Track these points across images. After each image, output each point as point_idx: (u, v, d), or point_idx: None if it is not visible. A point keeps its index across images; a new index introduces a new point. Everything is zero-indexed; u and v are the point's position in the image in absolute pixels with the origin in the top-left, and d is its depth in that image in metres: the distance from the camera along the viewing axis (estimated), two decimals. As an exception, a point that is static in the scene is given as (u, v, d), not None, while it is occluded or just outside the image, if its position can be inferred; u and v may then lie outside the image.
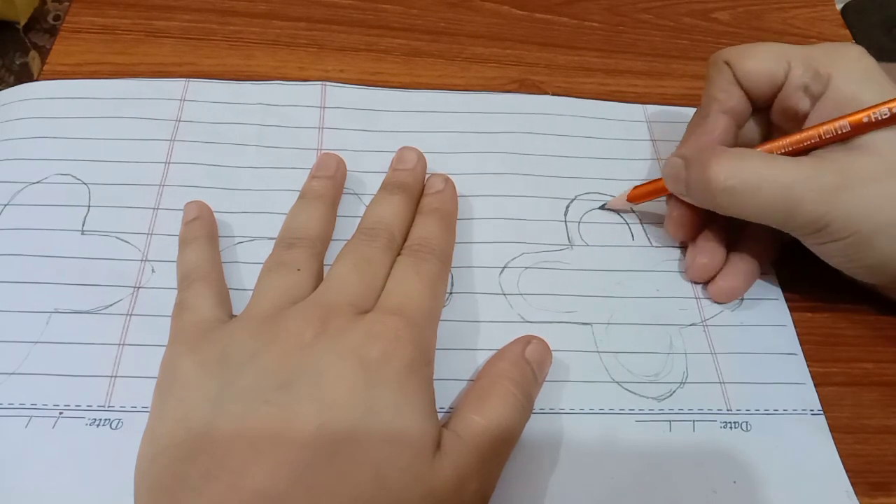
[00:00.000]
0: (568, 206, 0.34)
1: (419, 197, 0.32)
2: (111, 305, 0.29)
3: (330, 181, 0.32)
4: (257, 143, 0.34)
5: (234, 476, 0.22)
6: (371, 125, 0.35)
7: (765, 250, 0.32)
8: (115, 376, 0.27)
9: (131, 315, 0.29)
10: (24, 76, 0.36)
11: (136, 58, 0.37)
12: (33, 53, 0.36)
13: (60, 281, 0.29)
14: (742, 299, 0.32)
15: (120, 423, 0.26)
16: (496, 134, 0.36)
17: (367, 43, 0.39)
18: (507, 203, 0.33)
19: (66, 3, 0.39)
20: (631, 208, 0.34)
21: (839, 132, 0.27)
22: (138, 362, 0.28)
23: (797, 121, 0.30)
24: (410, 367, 0.25)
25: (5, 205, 0.31)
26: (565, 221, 0.33)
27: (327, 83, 0.37)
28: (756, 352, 0.30)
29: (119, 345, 0.28)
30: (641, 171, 0.35)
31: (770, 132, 0.32)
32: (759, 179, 0.27)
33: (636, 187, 0.33)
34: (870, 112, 0.26)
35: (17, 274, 0.29)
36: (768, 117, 0.32)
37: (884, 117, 0.26)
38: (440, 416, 0.27)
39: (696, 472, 0.27)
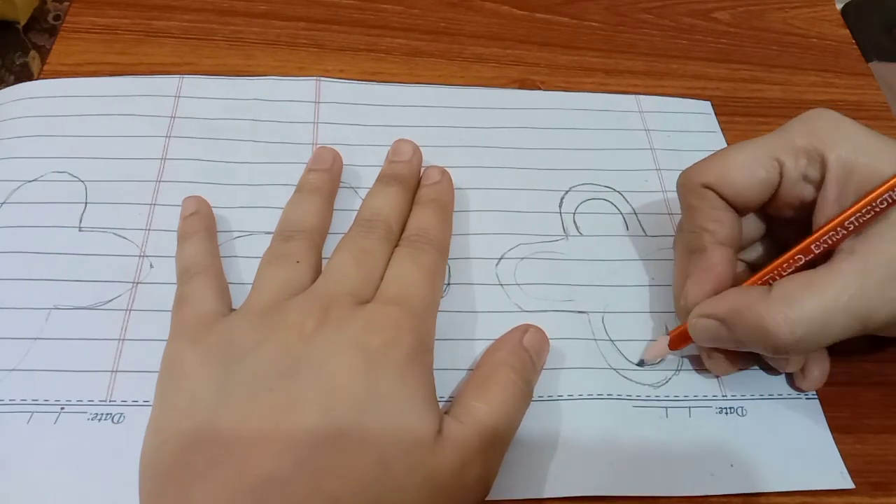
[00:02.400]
0: (563, 198, 0.34)
1: (416, 188, 0.32)
2: (110, 301, 0.29)
3: (326, 174, 0.32)
4: (252, 139, 0.34)
5: (240, 462, 0.22)
6: (365, 120, 0.36)
7: None
8: (116, 371, 0.27)
9: (131, 310, 0.29)
10: (24, 76, 0.36)
11: (137, 58, 0.37)
12: (33, 53, 0.36)
13: (59, 277, 0.29)
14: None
15: (122, 418, 0.26)
16: (490, 128, 0.36)
17: (367, 43, 0.39)
18: (503, 195, 0.34)
19: (66, 3, 0.39)
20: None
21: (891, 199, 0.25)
22: (139, 357, 0.28)
23: (803, 208, 0.28)
24: (411, 356, 0.25)
25: (2, 203, 0.31)
26: (560, 212, 0.34)
27: (321, 78, 0.37)
28: (750, 338, 0.31)
29: (119, 340, 0.28)
30: (636, 160, 0.36)
31: (769, 224, 0.30)
32: (823, 317, 0.24)
33: (673, 332, 0.29)
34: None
35: (15, 271, 0.29)
36: (762, 213, 0.29)
37: None
38: (440, 405, 0.27)
39: (694, 456, 0.27)
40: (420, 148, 0.33)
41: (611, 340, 0.30)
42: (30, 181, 0.32)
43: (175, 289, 0.29)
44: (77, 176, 0.32)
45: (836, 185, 0.26)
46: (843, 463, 0.28)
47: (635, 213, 0.34)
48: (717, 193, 0.28)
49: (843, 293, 0.24)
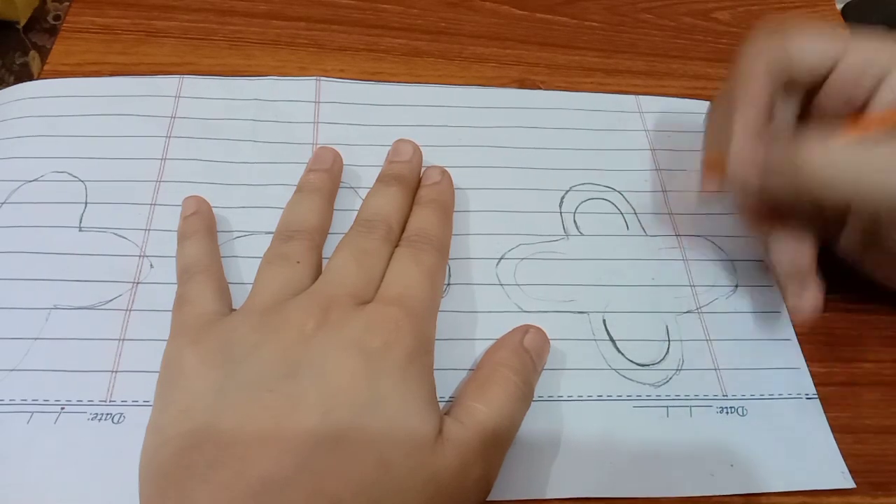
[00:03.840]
0: (563, 198, 0.34)
1: (416, 189, 0.32)
2: (110, 301, 0.29)
3: (327, 174, 0.32)
4: (252, 139, 0.34)
5: (240, 463, 0.22)
6: (366, 119, 0.36)
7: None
8: (116, 371, 0.27)
9: (131, 310, 0.29)
10: (24, 76, 0.36)
11: (137, 58, 0.37)
12: (33, 53, 0.36)
13: (59, 277, 0.29)
14: (737, 286, 0.32)
15: (122, 418, 0.26)
16: (491, 128, 0.36)
17: (367, 43, 0.39)
18: (503, 195, 0.34)
19: (66, 3, 0.39)
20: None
21: None
22: (139, 357, 0.28)
23: (852, 104, 0.28)
24: (411, 357, 0.25)
25: (2, 203, 0.31)
26: (560, 212, 0.34)
27: (321, 78, 0.37)
28: (751, 338, 0.31)
29: (119, 340, 0.28)
30: (636, 160, 0.36)
31: (803, 112, 0.30)
32: (861, 159, 0.25)
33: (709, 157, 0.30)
34: None
35: (15, 271, 0.29)
36: (800, 97, 0.30)
37: None
38: (441, 405, 0.27)
39: (694, 456, 0.27)
40: (420, 148, 0.33)
41: (611, 340, 0.30)
42: (30, 181, 0.32)
43: (175, 289, 0.29)
44: (77, 176, 0.32)
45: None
46: (844, 463, 0.28)
47: (635, 213, 0.34)
48: (787, 49, 0.28)
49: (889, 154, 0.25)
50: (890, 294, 0.31)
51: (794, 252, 0.29)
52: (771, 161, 0.27)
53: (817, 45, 0.28)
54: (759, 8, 0.45)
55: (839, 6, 0.46)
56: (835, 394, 0.30)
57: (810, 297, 0.28)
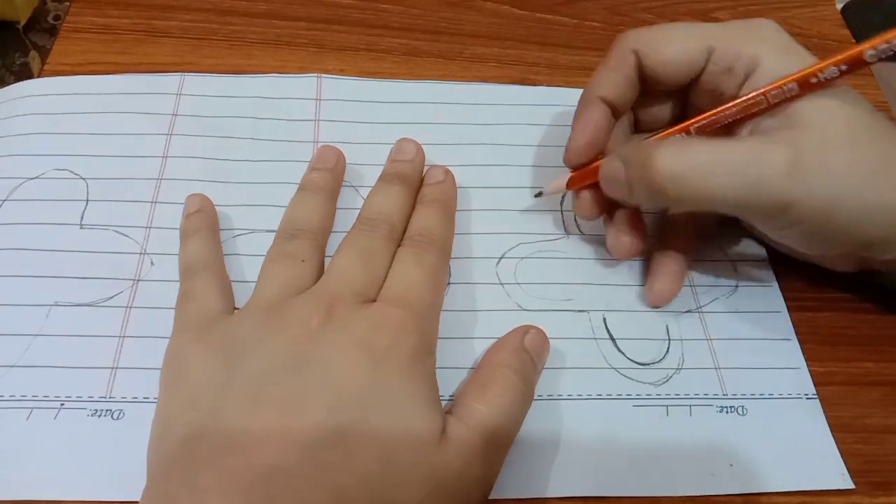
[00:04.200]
0: (564, 196, 0.34)
1: (418, 188, 0.32)
2: (111, 298, 0.29)
3: (330, 173, 0.32)
4: (253, 136, 0.34)
5: (246, 452, 0.22)
6: (367, 117, 0.36)
7: (688, 248, 0.31)
8: (116, 367, 0.27)
9: (131, 307, 0.29)
10: (25, 76, 0.36)
11: (137, 57, 0.37)
12: (33, 53, 0.36)
13: (60, 274, 0.29)
14: (737, 286, 0.32)
15: (121, 414, 0.26)
16: (493, 125, 0.36)
17: (367, 43, 0.39)
18: (504, 194, 0.34)
19: (66, 3, 0.39)
20: (565, 193, 0.33)
21: (788, 94, 0.26)
22: (139, 354, 0.28)
23: (721, 101, 0.28)
24: (415, 357, 0.25)
25: (4, 200, 0.31)
26: (561, 211, 0.34)
27: (323, 75, 0.37)
28: (751, 337, 0.31)
29: (119, 337, 0.28)
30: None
31: (683, 112, 0.31)
32: (708, 163, 0.25)
33: (574, 172, 0.31)
34: (817, 70, 0.26)
35: (16, 268, 0.29)
36: (678, 98, 0.30)
37: (833, 76, 0.26)
38: (442, 404, 0.27)
39: (694, 456, 0.27)
40: (423, 147, 0.33)
41: (612, 339, 0.30)
42: (31, 178, 0.32)
43: (176, 286, 0.29)
44: (78, 173, 0.32)
45: (765, 82, 0.27)
46: (843, 463, 0.28)
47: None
48: (640, 61, 0.29)
49: (738, 155, 0.25)
50: (890, 294, 0.31)
51: (630, 240, 0.30)
52: (631, 164, 0.27)
53: (681, 55, 0.28)
54: (758, 8, 0.45)
55: (839, 6, 0.46)
56: (835, 394, 0.30)
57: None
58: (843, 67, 0.26)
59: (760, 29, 0.28)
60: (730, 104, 0.27)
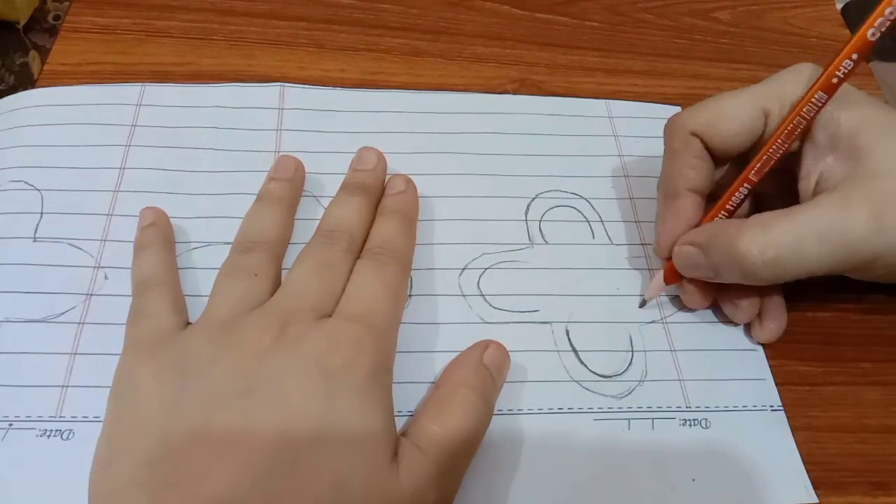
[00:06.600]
0: (529, 205, 0.34)
1: (379, 198, 0.32)
2: (63, 314, 0.28)
3: (288, 184, 0.32)
4: (213, 147, 0.34)
5: (192, 483, 0.22)
6: (330, 126, 0.35)
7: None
8: (67, 386, 0.27)
9: (84, 323, 0.28)
10: (25, 76, 0.35)
11: (137, 58, 0.36)
12: (33, 53, 0.35)
13: (11, 289, 0.29)
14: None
15: (71, 434, 0.26)
16: (456, 134, 0.36)
17: (367, 43, 0.39)
18: (468, 203, 0.33)
19: (66, 3, 0.39)
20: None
21: (818, 103, 0.27)
22: (91, 371, 0.27)
23: (785, 160, 0.28)
24: (372, 376, 0.25)
25: (-45, 213, 0.30)
26: (526, 220, 0.33)
27: (286, 84, 0.36)
28: (716, 348, 0.30)
29: (71, 354, 0.28)
30: (604, 167, 0.35)
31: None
32: (796, 240, 0.26)
33: (665, 267, 0.30)
34: (833, 69, 0.26)
35: (-34, 283, 0.29)
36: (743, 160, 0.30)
37: (848, 69, 0.26)
38: (398, 419, 0.26)
39: (655, 470, 0.27)
40: (385, 155, 0.33)
41: (574, 351, 0.29)
42: (-15, 191, 0.31)
43: (130, 301, 0.28)
44: (34, 185, 0.32)
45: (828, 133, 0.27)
46: (807, 476, 0.27)
47: (602, 221, 0.33)
48: (703, 141, 0.29)
49: (819, 223, 0.26)
50: (890, 294, 0.31)
51: (749, 307, 0.30)
52: (712, 249, 0.27)
53: (739, 129, 0.28)
54: (759, 8, 0.45)
55: (839, 6, 0.46)
56: (835, 394, 0.30)
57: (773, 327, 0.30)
58: (854, 56, 0.26)
59: (804, 73, 0.28)
60: (773, 138, 0.28)
